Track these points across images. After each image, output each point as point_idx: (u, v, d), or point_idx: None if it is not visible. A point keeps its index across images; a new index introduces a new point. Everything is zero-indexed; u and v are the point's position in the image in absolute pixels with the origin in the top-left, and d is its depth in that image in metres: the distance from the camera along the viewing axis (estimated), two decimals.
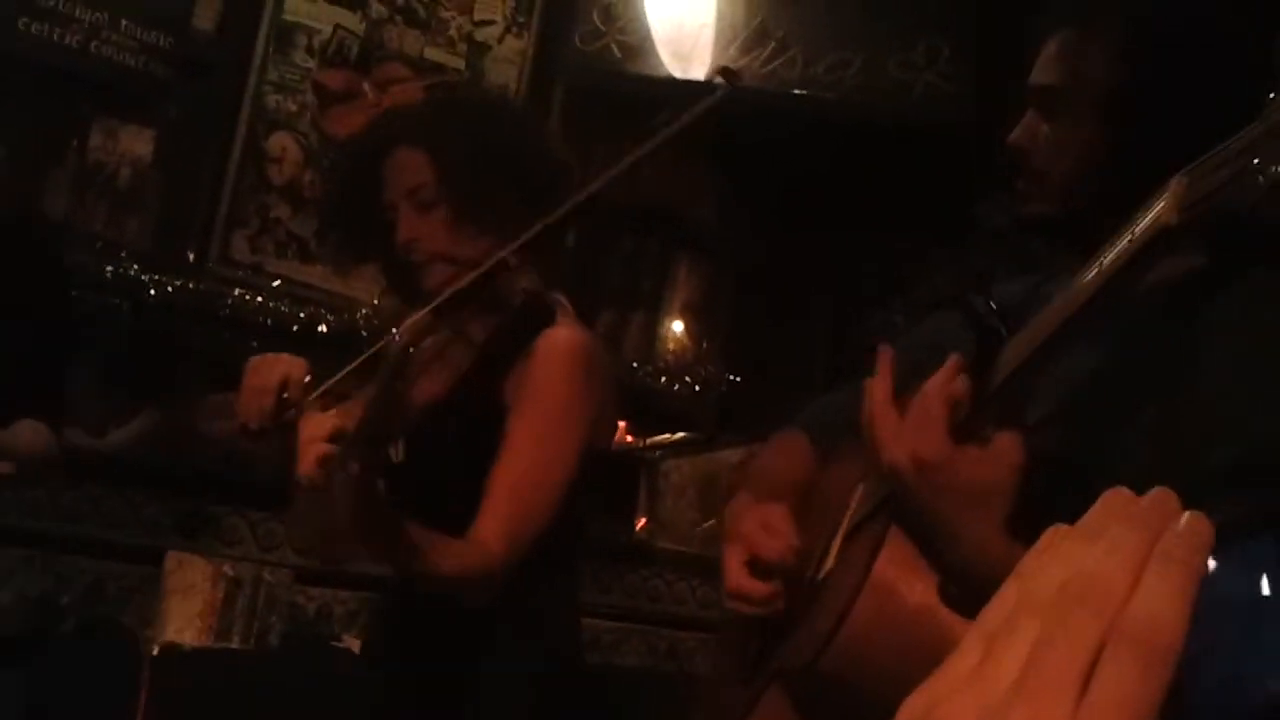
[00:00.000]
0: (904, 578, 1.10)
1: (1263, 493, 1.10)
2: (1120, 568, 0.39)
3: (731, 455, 3.99)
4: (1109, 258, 0.97)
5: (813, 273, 4.18)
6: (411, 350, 1.50)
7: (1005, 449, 1.05)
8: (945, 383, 1.09)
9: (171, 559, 2.75)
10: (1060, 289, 1.03)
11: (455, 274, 1.73)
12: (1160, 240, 0.90)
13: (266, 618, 2.88)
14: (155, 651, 2.57)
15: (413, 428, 1.75)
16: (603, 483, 1.86)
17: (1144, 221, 0.93)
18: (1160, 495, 0.42)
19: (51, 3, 2.95)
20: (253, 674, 2.68)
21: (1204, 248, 1.02)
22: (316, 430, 1.45)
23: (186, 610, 2.68)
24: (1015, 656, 0.38)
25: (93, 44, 2.98)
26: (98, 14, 2.99)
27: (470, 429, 1.71)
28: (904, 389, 1.24)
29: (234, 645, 2.71)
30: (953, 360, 1.11)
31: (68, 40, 2.96)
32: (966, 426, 1.08)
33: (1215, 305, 1.15)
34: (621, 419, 3.78)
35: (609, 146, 3.84)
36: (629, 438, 3.91)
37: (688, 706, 1.57)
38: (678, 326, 4.07)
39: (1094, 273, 0.98)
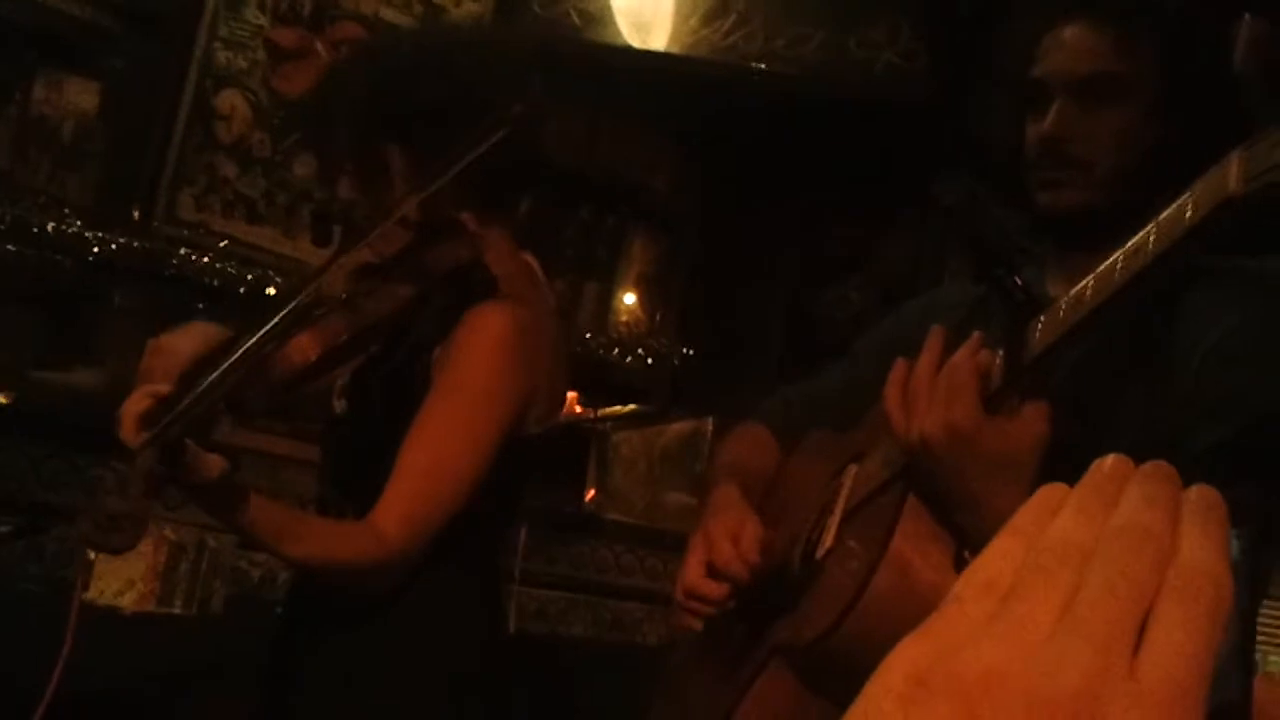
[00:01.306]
0: (921, 551, 1.12)
1: (1238, 484, 1.11)
2: (1163, 521, 0.39)
3: (683, 428, 3.99)
4: (1156, 232, 0.97)
5: (769, 248, 4.18)
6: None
7: (1032, 419, 1.08)
8: (972, 354, 1.11)
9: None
10: (1096, 270, 1.03)
11: (391, 234, 1.63)
12: (1224, 211, 0.92)
13: (210, 583, 2.84)
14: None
15: (350, 386, 1.71)
16: (549, 454, 1.82)
17: (1204, 191, 0.93)
18: (1161, 462, 0.42)
19: None
20: (193, 640, 2.65)
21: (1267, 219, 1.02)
22: (139, 393, 1.43)
23: (127, 573, 2.63)
24: (1048, 605, 0.37)
25: None
26: None
27: (397, 396, 1.63)
28: (908, 353, 1.24)
29: (176, 611, 2.67)
30: (976, 335, 1.13)
31: None
32: (996, 399, 1.09)
33: (1199, 292, 1.18)
34: (573, 390, 3.76)
35: (565, 114, 3.82)
36: (579, 409, 3.89)
37: (651, 695, 1.55)
38: (631, 298, 4.05)
39: (1141, 245, 0.99)
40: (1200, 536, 0.38)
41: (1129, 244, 1.00)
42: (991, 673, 0.36)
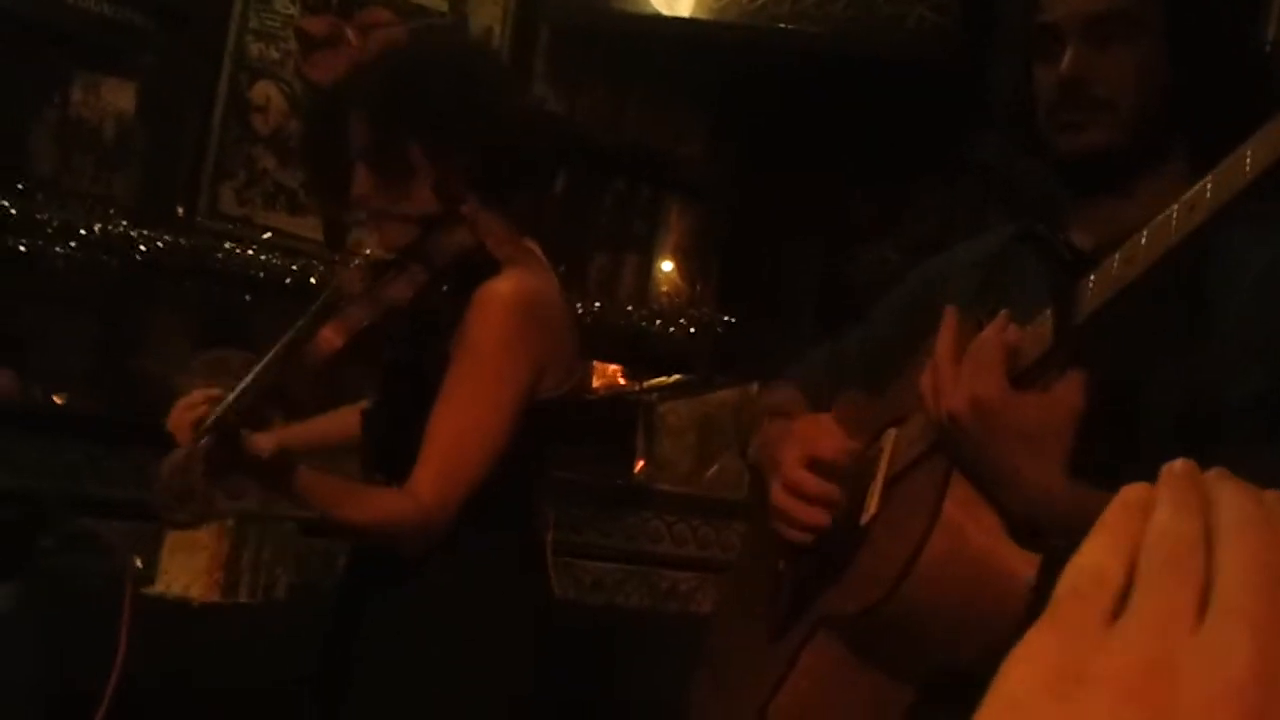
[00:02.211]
0: (973, 516, 1.12)
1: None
2: (1267, 510, 0.40)
3: (729, 395, 3.99)
4: (1215, 181, 0.96)
5: (805, 210, 4.16)
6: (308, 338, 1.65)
7: (1065, 393, 1.07)
8: (999, 331, 1.10)
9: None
10: (1150, 223, 1.02)
11: (401, 230, 1.80)
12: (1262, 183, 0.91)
13: (273, 570, 2.88)
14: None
15: (378, 384, 1.86)
16: (597, 428, 1.92)
17: (1260, 145, 0.92)
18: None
19: None
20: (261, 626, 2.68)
21: None
22: (192, 398, 1.66)
23: (193, 566, 2.67)
24: (1187, 596, 0.38)
25: None
26: None
27: (422, 379, 1.75)
28: (929, 314, 1.23)
29: (242, 599, 2.71)
30: (1004, 313, 1.12)
31: None
32: (1043, 365, 1.09)
33: (1231, 237, 1.16)
34: (617, 363, 3.77)
35: (593, 86, 3.81)
36: (624, 381, 3.90)
37: (693, 669, 1.56)
38: (670, 269, 4.04)
39: (1197, 199, 0.97)
40: None
41: (1186, 196, 0.99)
42: (1156, 664, 0.36)
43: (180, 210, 3.01)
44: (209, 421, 1.56)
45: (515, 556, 1.82)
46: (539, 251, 1.90)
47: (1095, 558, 0.40)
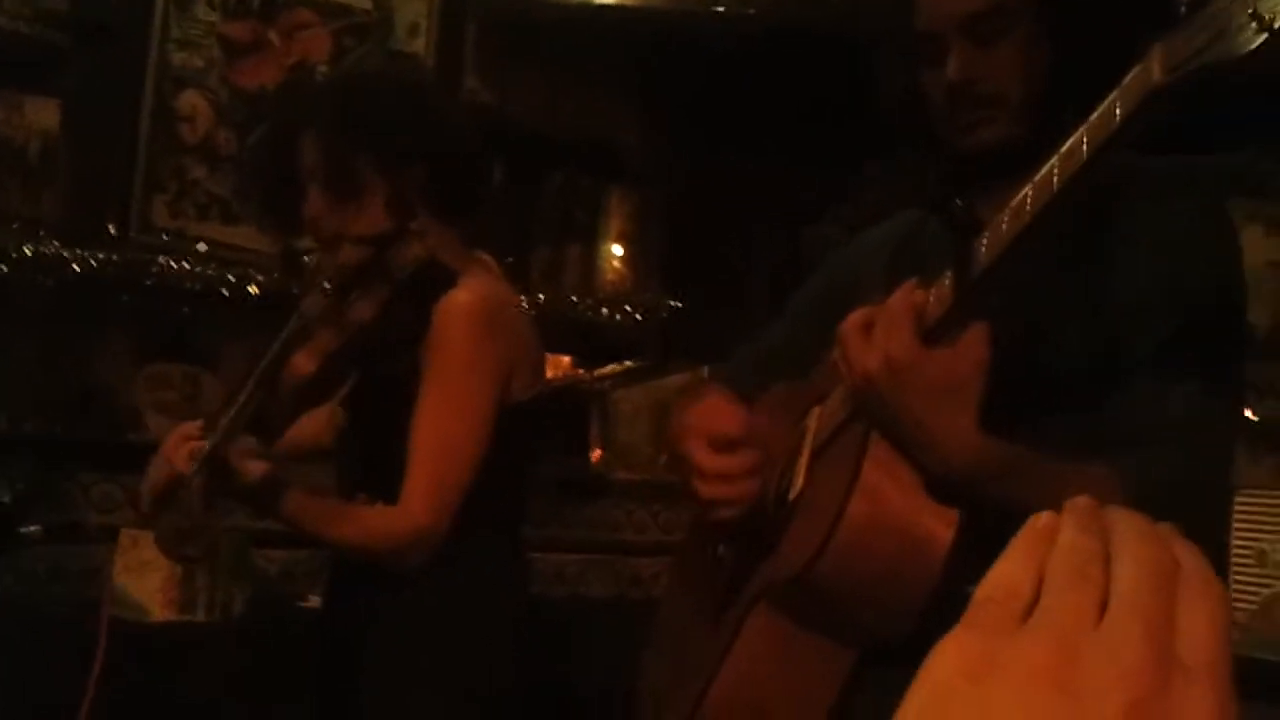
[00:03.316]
0: (891, 476, 1.15)
1: (1183, 382, 1.14)
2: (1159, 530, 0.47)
3: (681, 380, 4.00)
4: (1088, 133, 0.99)
5: (747, 192, 4.17)
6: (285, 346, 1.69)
7: (971, 344, 1.10)
8: (907, 293, 1.14)
9: (126, 536, 2.71)
10: (1031, 178, 1.05)
11: (357, 251, 1.78)
12: (1151, 103, 0.93)
13: (229, 587, 2.85)
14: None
15: (349, 401, 1.88)
16: (551, 419, 1.93)
17: (1129, 87, 0.95)
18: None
19: None
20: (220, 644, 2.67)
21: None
22: (185, 429, 1.71)
23: (145, 587, 2.64)
24: (1090, 599, 0.43)
25: None
26: None
27: (393, 395, 1.79)
28: (844, 301, 1.26)
29: (199, 618, 2.68)
30: (910, 281, 1.15)
31: None
32: (945, 324, 1.12)
33: (1129, 197, 1.21)
34: (566, 353, 3.77)
35: (525, 77, 3.79)
36: (577, 371, 3.90)
37: (641, 649, 1.58)
38: (615, 256, 4.04)
39: (1073, 148, 1.00)
40: (1185, 548, 0.46)
41: (1063, 148, 1.02)
42: (1061, 654, 0.41)
43: (112, 226, 2.97)
44: (202, 455, 1.62)
45: (503, 557, 1.87)
46: (490, 261, 1.96)
47: (1007, 571, 0.45)
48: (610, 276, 4.08)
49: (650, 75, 4.04)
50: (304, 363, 1.71)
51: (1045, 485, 1.11)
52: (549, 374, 3.84)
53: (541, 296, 3.58)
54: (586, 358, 3.88)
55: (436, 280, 1.78)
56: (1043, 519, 0.48)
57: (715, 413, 1.38)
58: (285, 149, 1.89)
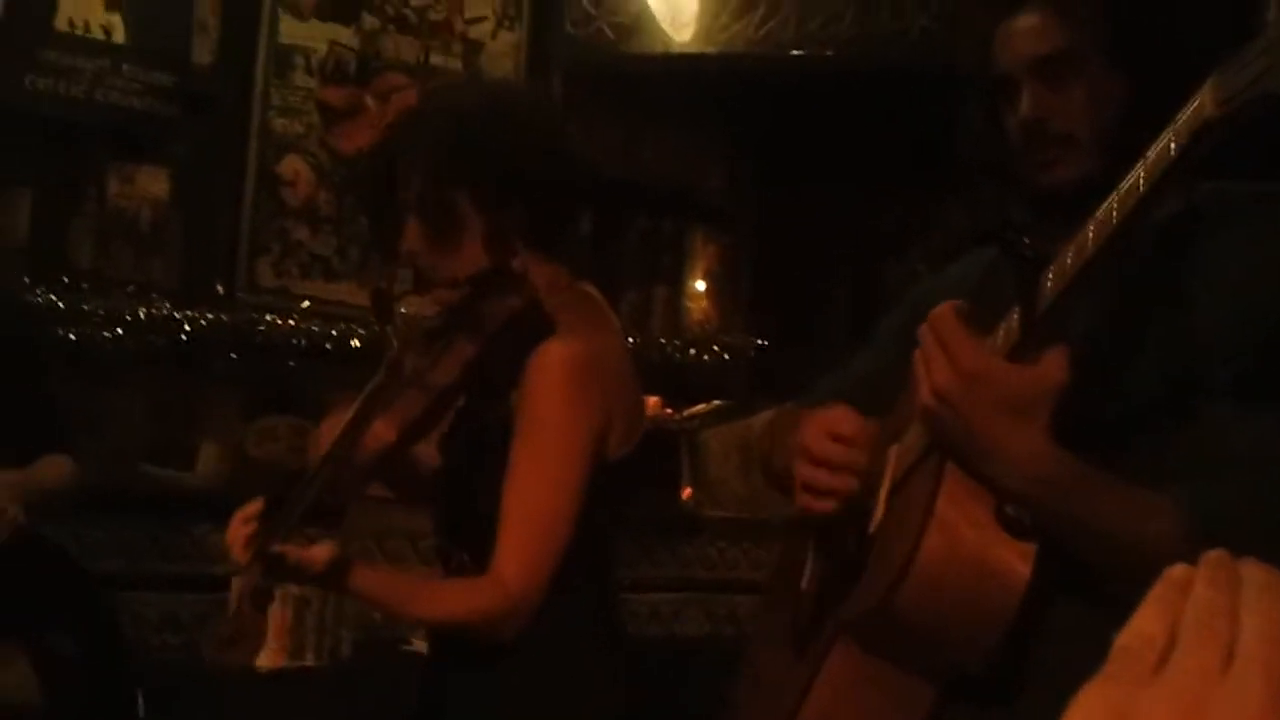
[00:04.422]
0: (966, 512, 1.15)
1: (1263, 411, 1.16)
2: None
3: (768, 416, 4.03)
4: (1146, 168, 1.02)
5: (829, 229, 4.21)
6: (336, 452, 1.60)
7: (1050, 365, 1.11)
8: (949, 307, 1.16)
9: (236, 584, 2.82)
10: (1093, 215, 1.08)
11: (451, 294, 1.75)
12: (1204, 136, 0.96)
13: (337, 631, 2.95)
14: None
15: (444, 440, 1.82)
16: (643, 462, 1.88)
17: (1184, 121, 0.98)
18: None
19: (54, 56, 3.00)
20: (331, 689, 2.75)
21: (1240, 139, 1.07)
22: (247, 511, 1.61)
23: None
24: (1216, 654, 0.47)
25: (98, 92, 3.03)
26: (99, 61, 3.03)
27: (485, 447, 1.72)
28: (903, 349, 1.29)
29: (309, 663, 2.78)
30: (950, 302, 1.18)
31: (74, 91, 3.01)
32: (1016, 353, 1.13)
33: (1207, 226, 1.22)
34: (655, 395, 3.82)
35: (609, 125, 3.88)
36: (666, 411, 3.95)
37: (733, 690, 1.60)
38: (701, 298, 4.10)
39: (1133, 185, 1.04)
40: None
41: (1122, 185, 1.05)
42: (1190, 707, 0.45)
43: (220, 287, 3.10)
44: (254, 551, 1.55)
45: (595, 609, 1.79)
46: (596, 294, 1.84)
47: (1143, 624, 0.50)
48: (696, 317, 4.14)
49: (731, 118, 4.11)
50: (384, 433, 1.65)
51: (1113, 506, 1.13)
52: None
53: (632, 339, 3.64)
54: (675, 397, 3.93)
55: (531, 330, 1.69)
56: (1177, 571, 0.51)
57: (834, 412, 1.39)
58: (386, 177, 1.81)
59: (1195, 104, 0.97)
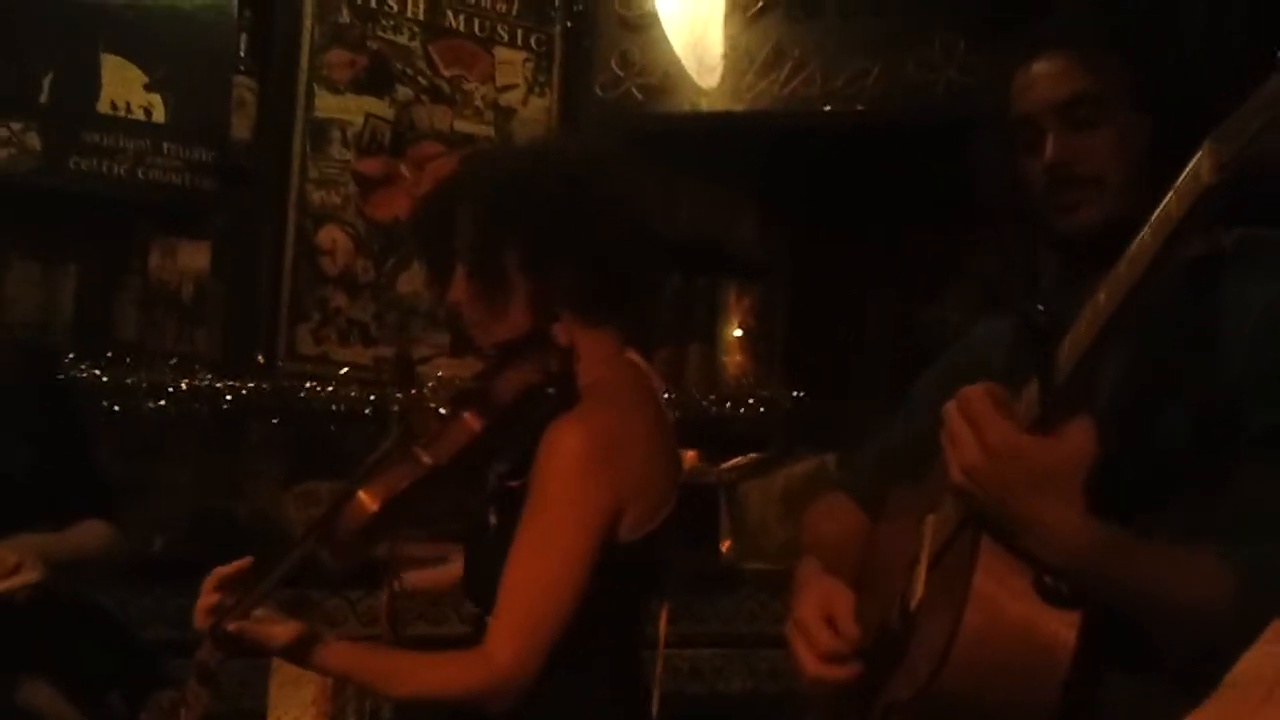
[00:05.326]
0: (1004, 586, 1.15)
1: None
2: None
3: (807, 467, 4.04)
4: (1151, 233, 1.03)
5: (861, 279, 4.22)
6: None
7: (1076, 435, 1.11)
8: (978, 388, 1.16)
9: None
10: (1104, 280, 1.08)
11: (489, 355, 1.75)
12: (1203, 202, 0.97)
13: (378, 696, 2.96)
14: None
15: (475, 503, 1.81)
16: (680, 516, 1.84)
17: (1182, 189, 0.99)
18: None
19: (97, 137, 3.10)
20: None
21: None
22: (218, 573, 1.62)
23: (300, 699, 2.77)
24: None
25: (140, 170, 3.13)
26: (140, 141, 3.14)
27: (500, 517, 1.73)
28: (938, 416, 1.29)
29: None
30: (983, 383, 1.18)
31: (116, 170, 3.10)
32: (1041, 424, 1.13)
33: (1237, 272, 1.21)
34: (692, 448, 3.83)
35: (647, 182, 3.92)
36: (702, 465, 3.96)
37: None
38: (736, 352, 4.13)
39: (1139, 251, 1.04)
40: None
41: (1130, 248, 1.05)
42: None
43: (260, 356, 3.17)
44: (208, 628, 1.56)
45: (607, 694, 1.74)
46: (642, 366, 1.80)
47: (1254, 658, 0.52)
48: (732, 370, 4.16)
49: (761, 174, 4.15)
50: (368, 501, 1.60)
51: (1155, 571, 1.12)
52: None
53: (667, 395, 3.66)
54: (712, 451, 3.94)
55: (552, 403, 1.66)
56: None
57: (823, 612, 1.38)
58: (442, 224, 1.80)
59: (1192, 170, 0.98)
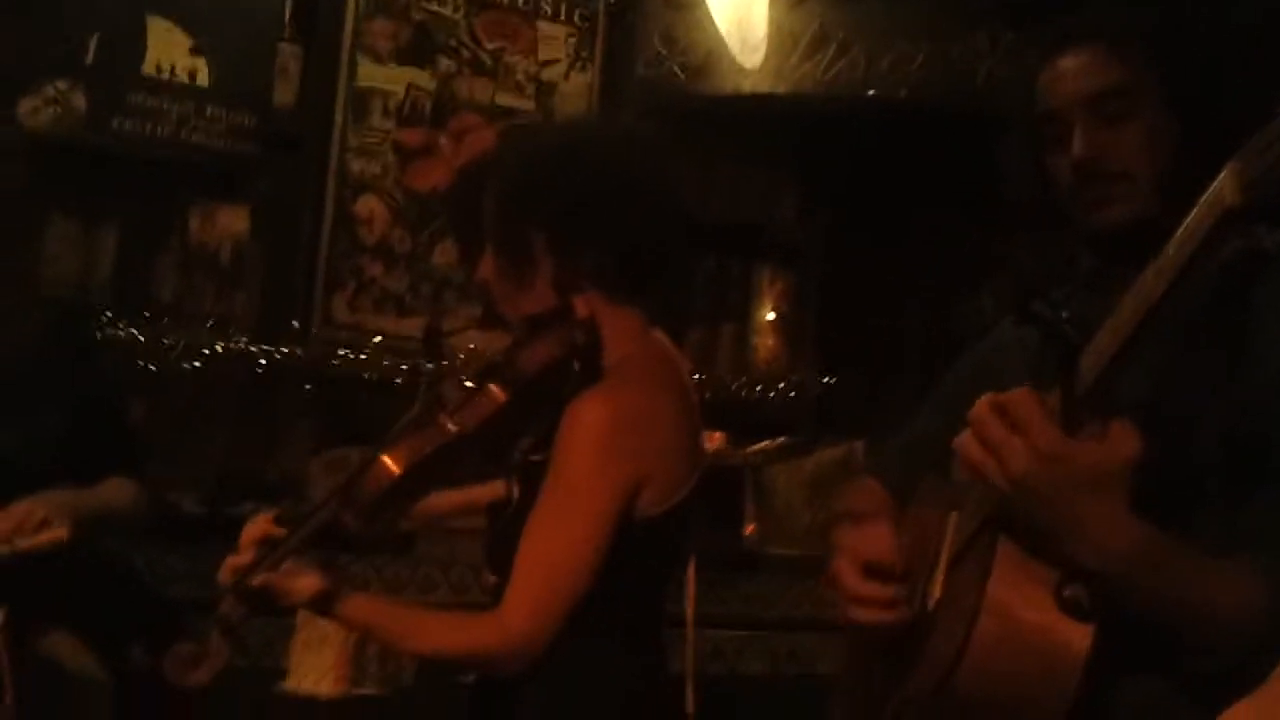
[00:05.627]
0: (1019, 594, 1.14)
1: None
2: None
3: (835, 453, 4.03)
4: (1175, 248, 1.02)
5: (896, 268, 4.21)
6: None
7: (1122, 436, 1.10)
8: (1025, 389, 1.13)
9: (302, 612, 2.88)
10: (1130, 289, 1.07)
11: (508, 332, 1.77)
12: (1225, 223, 0.97)
13: (399, 659, 2.99)
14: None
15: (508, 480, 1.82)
16: (705, 497, 1.86)
17: (1205, 208, 0.98)
18: None
19: (141, 98, 3.13)
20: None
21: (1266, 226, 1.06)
22: (251, 530, 1.65)
23: (321, 662, 2.81)
24: None
25: (183, 132, 3.16)
26: (184, 104, 3.17)
27: (522, 488, 1.74)
28: (988, 389, 1.29)
29: (368, 691, 2.83)
30: (1025, 386, 1.15)
31: (159, 132, 3.14)
32: (1065, 430, 1.11)
33: (1271, 279, 1.18)
34: (720, 430, 3.84)
35: (681, 163, 3.92)
36: (729, 447, 3.97)
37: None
38: (768, 334, 4.12)
39: (1164, 265, 1.03)
40: None
41: (1157, 261, 1.04)
42: None
43: (296, 323, 3.20)
44: (235, 581, 1.58)
45: (623, 666, 1.75)
46: (667, 345, 1.80)
47: None
48: (763, 354, 4.16)
49: (800, 157, 4.13)
50: (390, 466, 1.61)
51: (1192, 577, 1.11)
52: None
53: (698, 376, 3.67)
54: (741, 434, 3.94)
55: (576, 378, 1.68)
56: None
57: (873, 540, 1.37)
58: (473, 203, 1.82)
59: (1216, 190, 0.97)
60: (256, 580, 1.58)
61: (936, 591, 1.30)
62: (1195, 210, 1.00)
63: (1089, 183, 1.26)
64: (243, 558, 1.63)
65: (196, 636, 1.57)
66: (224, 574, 1.62)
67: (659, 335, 1.81)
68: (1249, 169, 0.94)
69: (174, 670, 1.57)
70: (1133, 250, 1.27)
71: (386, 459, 1.61)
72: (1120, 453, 1.10)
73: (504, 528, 1.78)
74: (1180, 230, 1.02)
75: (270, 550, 1.61)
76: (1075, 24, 1.31)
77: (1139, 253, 1.27)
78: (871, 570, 1.34)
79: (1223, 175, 0.97)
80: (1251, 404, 1.17)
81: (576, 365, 1.71)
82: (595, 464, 1.64)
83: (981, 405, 1.15)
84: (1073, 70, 1.28)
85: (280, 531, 1.67)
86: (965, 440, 1.16)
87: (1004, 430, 1.13)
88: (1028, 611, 1.14)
